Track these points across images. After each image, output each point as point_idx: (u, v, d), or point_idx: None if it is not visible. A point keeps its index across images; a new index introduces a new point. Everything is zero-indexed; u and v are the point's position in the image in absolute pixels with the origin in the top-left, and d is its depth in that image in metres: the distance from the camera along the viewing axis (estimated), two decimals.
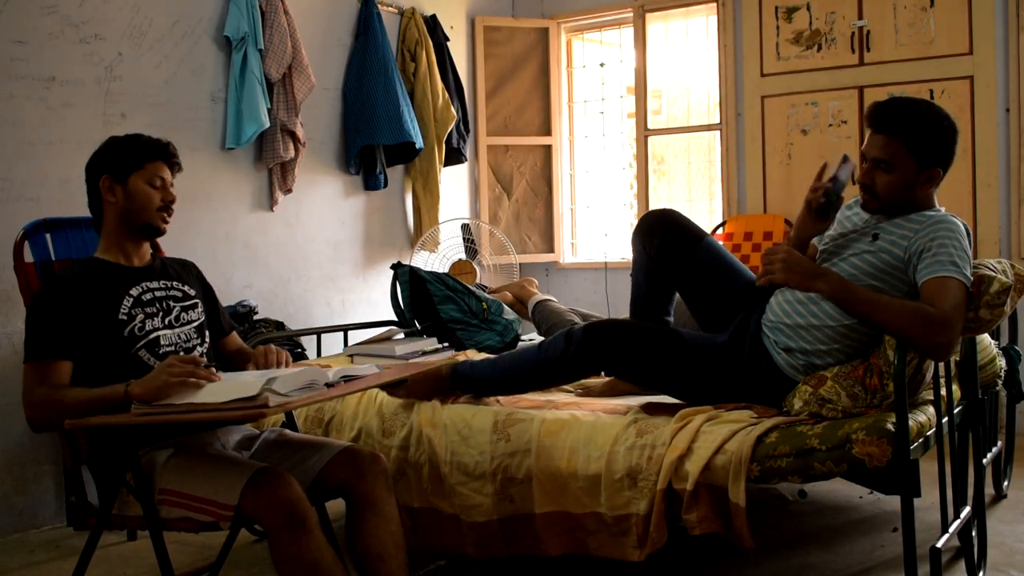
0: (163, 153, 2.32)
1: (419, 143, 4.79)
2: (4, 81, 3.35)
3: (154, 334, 2.22)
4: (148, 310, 2.24)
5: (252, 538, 3.11)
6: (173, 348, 2.25)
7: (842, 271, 2.42)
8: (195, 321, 2.34)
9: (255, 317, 3.98)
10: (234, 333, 2.53)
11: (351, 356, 3.54)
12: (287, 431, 2.46)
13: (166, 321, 2.27)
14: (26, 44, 3.41)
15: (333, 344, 4.09)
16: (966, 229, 2.41)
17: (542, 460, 2.49)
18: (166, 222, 2.31)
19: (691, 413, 2.43)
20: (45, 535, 3.38)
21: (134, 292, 2.23)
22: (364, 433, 2.88)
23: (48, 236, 2.36)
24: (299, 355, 3.97)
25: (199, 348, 2.31)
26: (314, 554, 1.96)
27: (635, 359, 2.55)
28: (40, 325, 2.11)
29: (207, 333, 2.38)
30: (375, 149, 4.76)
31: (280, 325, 4.07)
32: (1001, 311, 2.30)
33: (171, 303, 2.30)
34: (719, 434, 2.29)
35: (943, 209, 2.49)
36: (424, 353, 3.48)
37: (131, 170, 2.26)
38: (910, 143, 2.35)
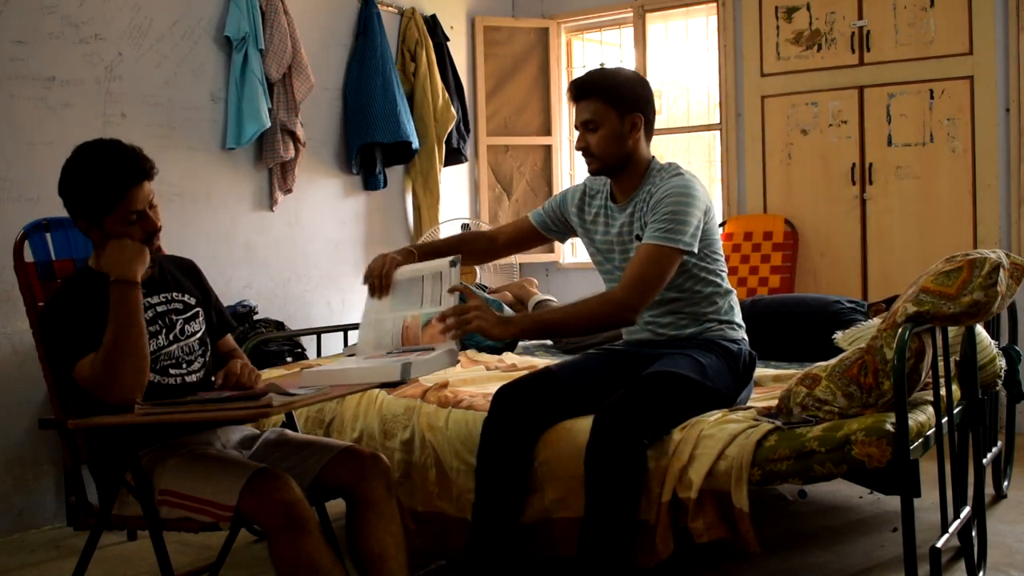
0: (132, 177, 2.10)
1: (415, 143, 4.78)
2: (4, 81, 3.35)
3: (157, 353, 2.19)
4: (151, 328, 2.20)
5: (252, 538, 3.11)
6: (174, 362, 2.23)
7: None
8: (197, 332, 2.31)
9: (255, 317, 3.98)
10: (228, 336, 2.47)
11: (351, 355, 3.54)
12: (287, 431, 2.46)
13: (170, 337, 2.24)
14: (26, 44, 3.41)
15: (333, 344, 4.09)
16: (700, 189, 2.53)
17: (550, 467, 2.49)
18: (154, 243, 2.19)
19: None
20: (45, 535, 3.38)
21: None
22: (365, 435, 2.89)
23: (48, 236, 2.35)
24: (299, 355, 3.97)
25: (200, 359, 2.30)
26: (313, 555, 1.96)
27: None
28: (77, 319, 2.08)
29: (208, 341, 2.36)
30: (374, 149, 4.76)
31: (280, 325, 4.07)
32: (996, 292, 2.30)
33: (173, 316, 2.27)
34: (720, 439, 2.29)
35: (677, 165, 2.60)
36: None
37: (104, 213, 2.10)
38: (606, 96, 2.52)
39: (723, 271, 2.62)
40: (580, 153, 2.61)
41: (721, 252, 2.62)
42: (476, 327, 2.31)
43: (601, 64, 5.75)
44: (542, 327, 2.51)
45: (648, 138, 2.60)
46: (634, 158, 2.57)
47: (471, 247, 2.78)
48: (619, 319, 2.44)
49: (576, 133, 2.61)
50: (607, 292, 2.51)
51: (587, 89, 2.54)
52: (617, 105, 2.52)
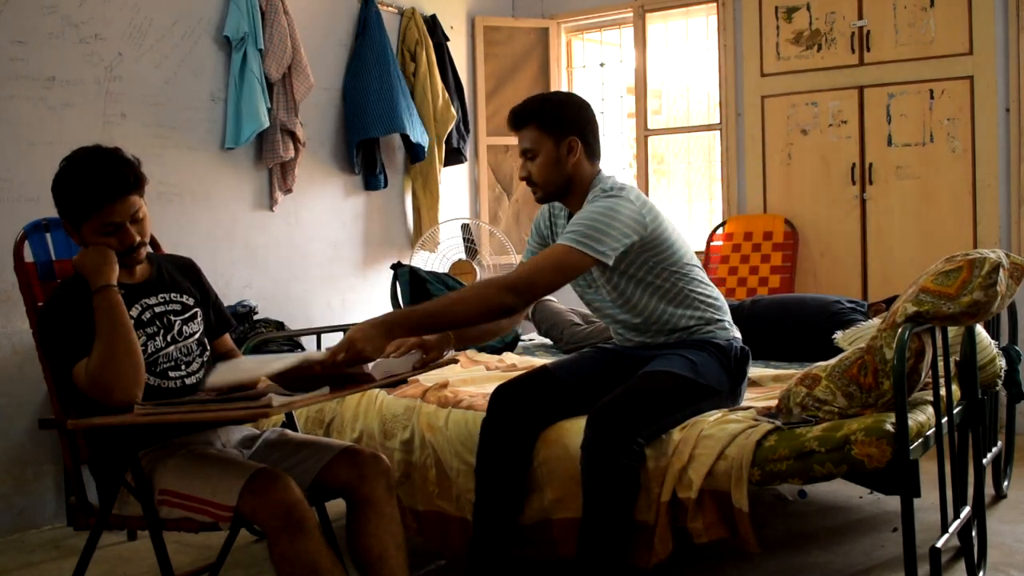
0: (111, 191, 2.08)
1: (414, 135, 4.73)
2: (4, 81, 3.35)
3: (155, 355, 2.19)
4: (149, 330, 2.20)
5: (252, 538, 3.11)
6: (173, 364, 2.23)
7: (610, 297, 2.56)
8: (196, 333, 2.30)
9: (255, 317, 3.98)
10: (226, 336, 2.46)
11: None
12: (287, 431, 2.45)
13: (168, 338, 2.23)
14: (26, 44, 3.41)
15: (333, 344, 4.09)
16: (638, 199, 2.47)
17: (548, 467, 2.48)
18: (133, 256, 2.17)
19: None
20: (45, 535, 3.38)
21: (133, 313, 2.17)
22: (365, 435, 2.89)
23: (48, 236, 2.35)
24: None
25: (198, 360, 2.29)
26: (313, 555, 1.96)
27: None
28: (73, 324, 2.08)
29: (207, 342, 2.36)
30: (375, 149, 4.76)
31: (280, 325, 4.07)
32: (995, 292, 2.30)
33: (171, 317, 2.26)
34: (720, 439, 2.29)
35: (614, 178, 2.56)
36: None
37: (80, 221, 2.11)
38: (540, 123, 2.51)
39: (701, 279, 2.59)
40: (525, 183, 2.59)
41: (695, 260, 2.59)
42: (361, 350, 2.12)
43: (601, 64, 5.75)
44: (425, 319, 2.28)
45: (593, 157, 2.55)
46: (576, 180, 2.53)
47: None
48: (501, 303, 2.29)
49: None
50: (497, 276, 2.47)
51: (523, 118, 2.53)
52: (552, 131, 2.50)
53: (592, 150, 2.55)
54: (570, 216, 2.61)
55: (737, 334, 2.64)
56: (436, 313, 2.30)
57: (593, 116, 2.59)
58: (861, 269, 4.75)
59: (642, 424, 2.31)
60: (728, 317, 2.64)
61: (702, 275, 2.61)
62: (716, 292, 2.65)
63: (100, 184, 2.08)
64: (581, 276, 2.58)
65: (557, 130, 2.50)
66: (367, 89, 4.62)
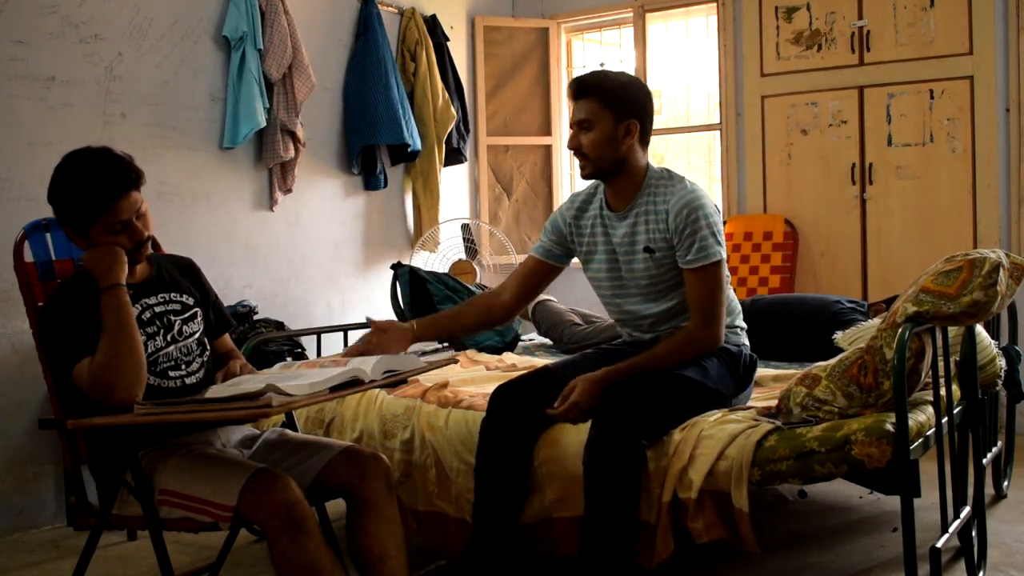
0: (115, 189, 2.09)
1: (415, 145, 4.78)
2: (4, 81, 3.35)
3: (155, 355, 2.19)
4: (149, 330, 2.20)
5: (252, 538, 3.11)
6: (172, 364, 2.22)
7: (640, 288, 2.57)
8: (195, 333, 2.30)
9: (255, 317, 3.98)
10: (226, 336, 2.46)
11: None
12: (287, 431, 2.45)
13: (168, 338, 2.23)
14: (26, 44, 3.41)
15: (333, 344, 4.09)
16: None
17: (549, 467, 2.48)
18: (140, 252, 2.18)
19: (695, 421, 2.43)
20: (45, 535, 3.38)
21: (134, 312, 2.17)
22: (365, 435, 2.88)
23: (48, 236, 2.35)
24: (299, 355, 3.97)
25: (198, 360, 2.29)
26: (312, 555, 1.96)
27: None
28: (73, 323, 2.08)
29: (207, 342, 2.36)
30: (375, 149, 4.76)
31: (280, 325, 4.07)
32: (995, 292, 2.30)
33: (171, 317, 2.26)
34: (720, 439, 2.29)
35: (673, 172, 2.60)
36: (424, 353, 3.47)
37: (88, 224, 2.11)
38: (603, 98, 2.50)
39: (727, 279, 2.60)
40: (572, 153, 2.59)
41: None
42: (586, 407, 2.41)
43: (601, 64, 5.75)
44: (635, 372, 2.48)
45: (644, 146, 2.56)
46: (628, 164, 2.53)
47: (475, 309, 2.76)
48: (706, 343, 2.48)
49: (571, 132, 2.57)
50: (687, 331, 2.48)
51: (586, 88, 2.51)
52: (614, 108, 2.49)
53: (646, 139, 2.56)
54: (607, 204, 2.60)
55: (746, 341, 2.64)
56: (647, 366, 2.48)
57: (652, 106, 2.59)
58: (861, 269, 4.75)
59: (647, 427, 2.31)
60: (740, 322, 2.65)
61: (727, 274, 2.62)
62: (733, 295, 2.66)
63: (103, 184, 2.08)
64: (613, 279, 2.62)
65: (619, 108, 2.49)
66: (374, 95, 4.61)
